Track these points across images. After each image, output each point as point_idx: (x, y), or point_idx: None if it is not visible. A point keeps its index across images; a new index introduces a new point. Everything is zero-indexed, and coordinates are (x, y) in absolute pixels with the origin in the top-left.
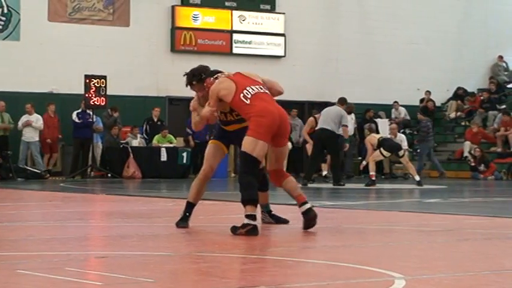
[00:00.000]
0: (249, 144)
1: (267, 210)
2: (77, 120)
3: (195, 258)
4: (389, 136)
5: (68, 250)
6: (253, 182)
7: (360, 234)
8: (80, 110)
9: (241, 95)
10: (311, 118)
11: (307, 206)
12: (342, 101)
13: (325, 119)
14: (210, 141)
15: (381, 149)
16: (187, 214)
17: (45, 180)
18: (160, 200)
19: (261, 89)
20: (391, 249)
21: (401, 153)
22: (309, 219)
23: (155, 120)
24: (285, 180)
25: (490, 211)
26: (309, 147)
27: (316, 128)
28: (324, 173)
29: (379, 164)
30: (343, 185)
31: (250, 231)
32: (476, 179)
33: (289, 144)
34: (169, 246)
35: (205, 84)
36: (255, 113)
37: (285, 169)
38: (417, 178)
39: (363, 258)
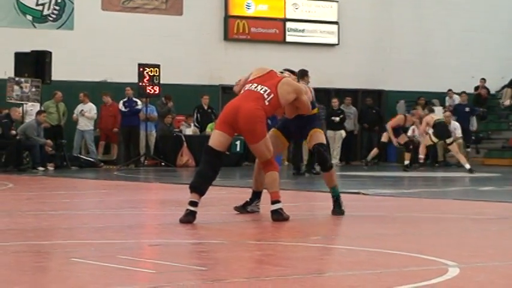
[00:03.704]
0: (211, 135)
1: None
2: (123, 109)
3: (248, 246)
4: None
5: (121, 238)
6: (203, 171)
7: (413, 223)
8: (126, 99)
9: None
10: (401, 116)
11: (271, 207)
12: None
13: None
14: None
15: (431, 134)
16: (248, 200)
17: (99, 168)
18: (214, 188)
19: (252, 86)
20: (444, 238)
21: (449, 140)
22: (273, 219)
23: (205, 108)
24: (265, 174)
25: None
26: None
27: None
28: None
29: (434, 152)
30: (303, 174)
31: (184, 215)
32: None
33: (343, 133)
34: (223, 235)
35: None
36: None
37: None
38: (467, 166)
39: (416, 246)
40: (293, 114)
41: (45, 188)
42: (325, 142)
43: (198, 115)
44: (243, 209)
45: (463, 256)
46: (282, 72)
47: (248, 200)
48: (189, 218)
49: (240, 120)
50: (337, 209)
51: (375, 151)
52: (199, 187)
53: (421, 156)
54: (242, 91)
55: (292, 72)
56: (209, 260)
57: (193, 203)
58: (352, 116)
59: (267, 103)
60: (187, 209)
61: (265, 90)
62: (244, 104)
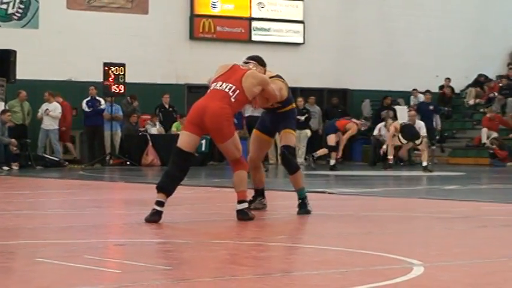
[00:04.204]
0: (179, 135)
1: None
2: (86, 109)
3: (214, 245)
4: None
5: (87, 238)
6: (171, 172)
7: (379, 222)
8: (89, 98)
9: None
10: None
11: (237, 207)
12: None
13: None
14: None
15: (400, 135)
16: (251, 199)
17: (64, 168)
18: (179, 188)
19: (217, 85)
20: (409, 236)
21: (418, 141)
22: (238, 218)
23: (167, 107)
24: (233, 173)
25: (509, 198)
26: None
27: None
28: (332, 162)
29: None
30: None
31: (150, 215)
32: (495, 166)
33: (308, 132)
34: (188, 234)
35: None
36: None
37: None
38: (424, 164)
39: (382, 245)
40: (264, 104)
41: (9, 187)
42: (293, 145)
43: (160, 114)
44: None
45: (428, 255)
46: (246, 63)
47: (251, 198)
48: (155, 217)
49: (206, 120)
50: (303, 210)
51: (323, 150)
52: (166, 187)
53: (390, 157)
54: (208, 91)
55: (257, 59)
56: (175, 260)
57: (160, 203)
58: (316, 115)
59: (233, 100)
60: (154, 209)
61: (230, 88)
62: (210, 103)
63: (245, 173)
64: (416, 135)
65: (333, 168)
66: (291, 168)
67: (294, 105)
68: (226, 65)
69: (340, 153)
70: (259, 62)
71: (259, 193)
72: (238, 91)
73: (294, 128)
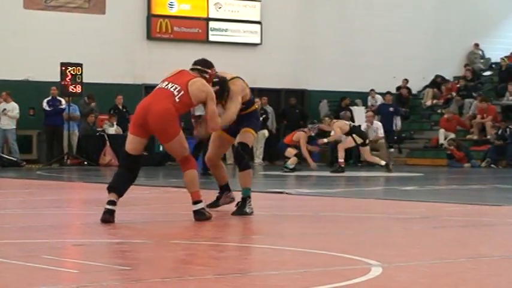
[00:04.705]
0: (127, 139)
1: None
2: (47, 108)
3: (172, 246)
4: (364, 124)
5: (45, 238)
6: (121, 174)
7: (337, 222)
8: (50, 98)
9: None
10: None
11: (193, 208)
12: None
13: None
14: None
15: (354, 135)
16: (217, 196)
17: (22, 168)
18: (137, 188)
19: (163, 84)
20: (367, 237)
21: (366, 142)
22: (195, 219)
23: (120, 107)
24: (183, 172)
25: (466, 199)
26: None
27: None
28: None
29: (352, 152)
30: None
31: (103, 214)
32: (453, 166)
33: (266, 132)
34: (146, 234)
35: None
36: None
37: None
38: (382, 163)
39: (340, 245)
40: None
41: None
42: (249, 144)
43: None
44: (215, 205)
45: (386, 255)
46: (192, 69)
47: (217, 195)
48: (107, 216)
49: (150, 122)
50: (241, 210)
51: (294, 159)
52: (117, 188)
53: (341, 160)
54: (154, 89)
55: (201, 62)
56: (132, 260)
57: (111, 202)
58: (270, 115)
59: (177, 100)
60: (106, 208)
61: (175, 88)
62: (154, 104)
63: (195, 172)
64: (365, 136)
65: (293, 170)
66: (242, 165)
67: (256, 106)
68: (176, 69)
69: (311, 162)
70: (204, 64)
71: (225, 188)
72: (183, 92)
73: (255, 129)
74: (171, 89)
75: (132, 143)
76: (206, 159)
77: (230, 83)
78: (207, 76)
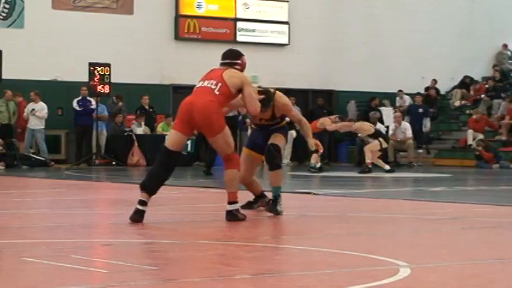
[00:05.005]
0: (168, 134)
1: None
2: (77, 108)
3: (201, 246)
4: (393, 125)
5: (74, 237)
6: (155, 171)
7: (365, 223)
8: (80, 98)
9: None
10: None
11: (227, 207)
12: None
13: None
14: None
15: (380, 139)
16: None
17: (50, 168)
18: (165, 188)
19: (200, 83)
20: (396, 238)
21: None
22: (227, 219)
23: (147, 108)
24: (224, 171)
25: (495, 200)
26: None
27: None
28: (318, 164)
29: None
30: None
31: (133, 214)
32: (481, 167)
33: (294, 133)
34: (175, 234)
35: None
36: None
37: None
38: (386, 167)
39: (368, 246)
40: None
41: None
42: (281, 146)
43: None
44: (251, 207)
45: (414, 256)
46: (222, 65)
47: (253, 200)
48: (136, 216)
49: (195, 116)
50: (273, 207)
51: (315, 156)
52: (149, 186)
53: (369, 161)
54: (193, 91)
55: (229, 54)
56: (161, 260)
57: (142, 202)
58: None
59: (217, 92)
60: (136, 208)
61: (212, 83)
62: (197, 99)
63: (236, 171)
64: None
65: (320, 169)
66: (273, 164)
67: (286, 121)
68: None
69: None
70: (233, 57)
71: (259, 196)
72: (221, 84)
73: (285, 136)
74: (209, 85)
75: (173, 139)
76: (240, 180)
77: (277, 95)
78: (239, 67)
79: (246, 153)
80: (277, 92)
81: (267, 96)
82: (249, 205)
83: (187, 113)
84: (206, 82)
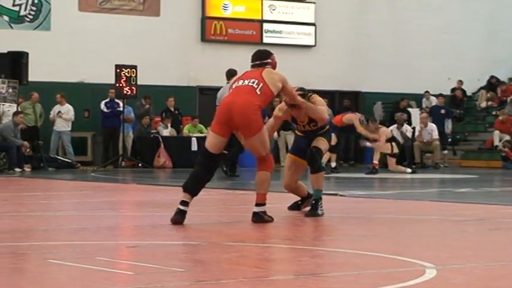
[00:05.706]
0: (207, 137)
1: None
2: (105, 110)
3: (226, 247)
4: (419, 126)
5: (99, 240)
6: (197, 173)
7: (391, 224)
8: (108, 100)
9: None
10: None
11: (254, 209)
12: (232, 74)
13: None
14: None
15: (393, 143)
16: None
17: (76, 170)
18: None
19: (239, 83)
20: (422, 239)
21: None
22: (252, 220)
23: (172, 109)
24: (257, 172)
25: None
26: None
27: None
28: (333, 164)
29: (410, 153)
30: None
31: (174, 214)
32: (508, 168)
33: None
34: (201, 236)
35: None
36: None
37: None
38: (408, 170)
39: (394, 248)
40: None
41: (22, 189)
42: (323, 149)
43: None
44: (297, 208)
45: (440, 258)
46: (253, 67)
47: (299, 201)
48: (178, 217)
49: (234, 116)
50: (313, 211)
51: (326, 155)
52: (192, 188)
53: (375, 162)
54: (230, 90)
55: (259, 55)
56: (188, 262)
57: (184, 203)
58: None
59: (258, 92)
60: (178, 208)
61: (254, 81)
62: (237, 99)
63: (268, 174)
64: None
65: (333, 170)
66: (315, 167)
67: (328, 128)
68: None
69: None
70: (263, 57)
71: (306, 197)
72: (262, 84)
73: (328, 139)
74: (250, 84)
75: (212, 142)
76: (285, 186)
77: (313, 96)
78: (270, 66)
79: (291, 159)
80: (315, 94)
81: (303, 96)
82: (295, 206)
83: (226, 113)
84: (246, 81)
